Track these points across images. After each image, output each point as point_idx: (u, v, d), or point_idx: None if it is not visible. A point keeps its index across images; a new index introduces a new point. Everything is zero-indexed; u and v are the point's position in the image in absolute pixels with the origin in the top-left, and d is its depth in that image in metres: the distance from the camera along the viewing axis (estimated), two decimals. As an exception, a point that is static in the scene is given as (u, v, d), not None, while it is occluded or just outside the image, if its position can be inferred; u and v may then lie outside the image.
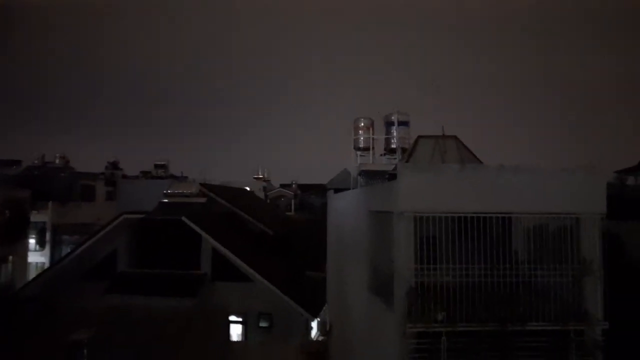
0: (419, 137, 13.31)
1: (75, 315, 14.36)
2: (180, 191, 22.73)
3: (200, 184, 24.39)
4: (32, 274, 27.77)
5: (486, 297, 7.56)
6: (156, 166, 43.35)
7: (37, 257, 30.07)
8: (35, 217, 29.24)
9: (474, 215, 7.70)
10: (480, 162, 12.29)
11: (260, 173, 59.77)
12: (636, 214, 16.54)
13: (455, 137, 13.10)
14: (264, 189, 52.76)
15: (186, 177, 40.09)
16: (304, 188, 58.65)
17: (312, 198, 52.07)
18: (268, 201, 48.35)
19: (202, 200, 22.68)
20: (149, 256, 20.26)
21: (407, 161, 12.55)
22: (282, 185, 60.40)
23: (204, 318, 16.02)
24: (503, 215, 7.79)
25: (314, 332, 18.30)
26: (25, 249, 28.14)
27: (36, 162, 41.55)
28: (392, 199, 8.19)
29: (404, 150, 14.34)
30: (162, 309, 15.96)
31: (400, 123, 14.66)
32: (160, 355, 11.93)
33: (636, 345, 9.58)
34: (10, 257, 25.86)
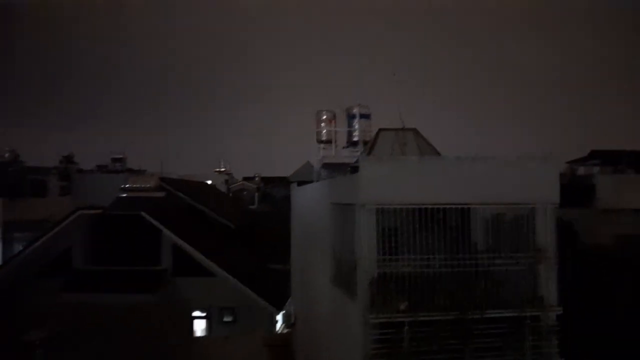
0: (380, 129, 13.46)
1: (30, 315, 13.82)
2: (138, 185, 22.14)
3: (160, 178, 23.86)
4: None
5: (447, 287, 7.73)
6: (113, 160, 42.15)
7: (-14, 255, 28.71)
8: (-17, 214, 27.88)
9: (434, 206, 7.84)
10: (439, 154, 12.54)
11: (221, 166, 58.99)
12: (586, 201, 17.31)
13: (414, 130, 13.32)
14: (226, 182, 52.18)
15: (144, 171, 39.12)
16: (267, 181, 58.30)
17: (276, 191, 51.84)
18: (230, 194, 47.83)
19: (162, 194, 22.18)
20: (106, 252, 19.69)
21: (368, 154, 12.67)
22: (245, 179, 59.85)
23: (166, 314, 15.74)
24: (462, 206, 7.96)
25: (279, 325, 18.31)
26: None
27: (-15, 157, 39.58)
28: (354, 192, 8.25)
29: (365, 142, 14.47)
30: (122, 306, 15.59)
31: (362, 116, 14.78)
32: (122, 353, 11.66)
33: (588, 328, 10.05)
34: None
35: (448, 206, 7.92)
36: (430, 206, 7.82)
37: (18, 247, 25.83)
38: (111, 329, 13.34)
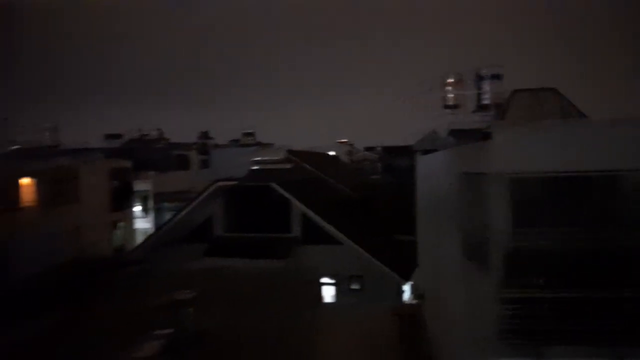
0: (515, 91, 12.33)
1: (177, 277, 15.43)
2: (268, 158, 23.35)
3: (287, 151, 24.83)
4: (139, 238, 30.31)
5: (590, 263, 6.92)
6: (244, 134, 44.88)
7: (142, 223, 32.67)
8: (138, 186, 31.60)
9: (576, 174, 6.98)
10: (584, 116, 11.17)
11: (344, 137, 59.72)
12: None
13: (553, 90, 11.99)
14: (349, 153, 52.74)
15: (273, 144, 41.09)
16: (390, 151, 57.73)
17: (399, 160, 51.14)
18: (353, 165, 48.33)
19: (289, 166, 23.14)
20: (242, 221, 21.18)
21: (501, 118, 11.72)
22: (367, 149, 59.95)
23: (296, 279, 16.50)
24: (609, 173, 6.98)
25: (406, 296, 18.21)
26: (132, 215, 30.64)
27: (135, 135, 44.78)
28: (486, 160, 7.65)
29: (497, 106, 13.41)
30: (256, 271, 16.69)
31: (493, 76, 13.67)
32: (256, 314, 12.50)
33: None
34: (120, 223, 28.32)
35: (593, 174, 7.00)
36: (572, 174, 6.98)
37: (167, 216, 28.95)
38: (246, 292, 14.35)
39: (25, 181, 22.84)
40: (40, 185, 22.10)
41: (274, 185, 19.96)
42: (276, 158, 23.61)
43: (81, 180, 24.14)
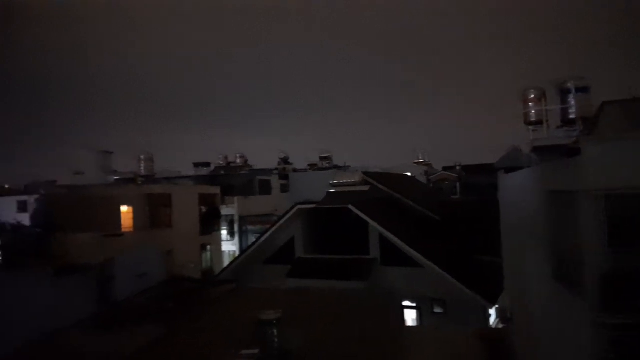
0: (604, 103, 11.70)
1: (263, 297, 15.97)
2: (344, 180, 23.67)
3: (363, 173, 25.02)
4: (226, 260, 31.74)
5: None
6: (321, 158, 45.79)
7: (229, 245, 34.22)
8: (225, 210, 33.26)
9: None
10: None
11: (420, 157, 58.91)
12: None
13: (649, 99, 11.24)
14: (426, 173, 51.93)
15: (349, 167, 41.53)
16: (469, 169, 56.13)
17: (479, 179, 49.53)
18: (431, 185, 47.46)
19: (366, 188, 23.27)
20: (321, 243, 21.56)
21: (590, 132, 11.15)
22: (445, 168, 58.70)
23: (377, 301, 16.43)
24: None
25: (492, 320, 17.51)
26: (220, 238, 32.22)
27: (221, 162, 47.32)
28: (576, 177, 7.36)
29: (585, 120, 12.76)
30: (338, 292, 16.85)
31: (579, 89, 13.06)
32: (340, 335, 12.62)
33: None
34: (209, 246, 29.86)
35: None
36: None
37: (251, 238, 30.10)
38: (329, 313, 14.52)
39: (125, 209, 24.95)
40: (138, 212, 24.00)
41: (351, 207, 20.18)
42: (352, 180, 23.84)
43: (174, 206, 25.87)
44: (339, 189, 23.08)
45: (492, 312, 17.58)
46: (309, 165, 47.71)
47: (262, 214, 33.72)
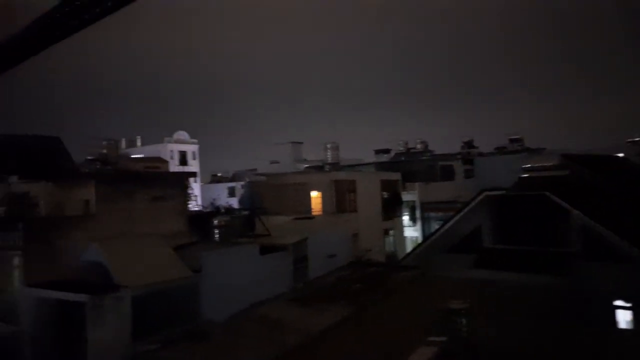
0: None
1: (449, 285, 15.62)
2: (539, 164, 21.62)
3: (562, 155, 22.48)
4: (408, 246, 31.90)
5: None
6: (511, 140, 42.56)
7: (411, 231, 34.29)
8: (406, 196, 33.37)
9: None
10: None
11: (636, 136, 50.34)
12: None
13: None
14: (643, 153, 44.26)
15: (544, 149, 37.78)
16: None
17: None
18: (650, 168, 40.32)
19: (565, 172, 20.86)
20: (512, 233, 20.08)
21: None
22: (669, 147, 49.16)
23: (578, 299, 14.71)
24: None
25: None
26: (401, 224, 32.49)
27: (401, 149, 47.46)
28: None
29: None
30: (532, 286, 15.56)
31: None
32: (534, 331, 11.66)
33: None
34: (391, 232, 30.36)
35: None
36: None
37: (433, 225, 29.65)
38: (521, 307, 13.52)
39: (314, 194, 26.81)
40: (326, 197, 25.59)
41: (548, 194, 18.31)
42: (549, 164, 21.59)
43: (358, 192, 26.92)
44: (533, 174, 21.15)
45: None
46: (496, 148, 44.69)
47: (444, 200, 32.89)
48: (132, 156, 30.43)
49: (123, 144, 57.68)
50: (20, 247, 16.65)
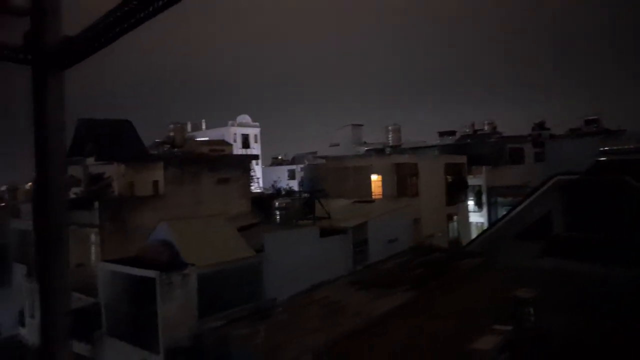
0: None
1: (516, 273, 14.98)
2: (618, 147, 20.15)
3: (645, 137, 20.81)
4: (473, 232, 30.95)
5: None
6: (587, 122, 39.91)
7: (476, 217, 33.20)
8: (471, 180, 32.25)
9: None
10: None
11: None
12: None
13: None
14: None
15: (624, 131, 35.12)
16: None
17: None
18: None
19: (649, 155, 19.31)
20: (585, 220, 18.89)
21: None
22: None
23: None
24: None
25: None
26: (466, 209, 31.51)
27: (467, 130, 45.78)
28: None
29: None
30: (603, 278, 14.60)
31: None
32: (607, 324, 10.95)
33: None
34: (455, 217, 29.54)
35: None
36: None
37: (500, 211, 28.52)
38: (594, 298, 12.74)
39: (375, 177, 26.54)
40: (387, 181, 25.26)
41: (628, 179, 17.01)
42: (629, 147, 20.09)
43: (420, 175, 26.33)
44: (611, 157, 19.74)
45: None
46: (570, 130, 42.06)
47: (513, 185, 31.47)
48: (198, 139, 31.46)
49: (189, 127, 59.79)
50: (96, 224, 17.76)
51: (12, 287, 25.74)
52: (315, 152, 52.73)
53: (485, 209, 33.21)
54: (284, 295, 15.47)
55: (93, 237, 18.22)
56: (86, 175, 20.31)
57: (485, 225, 31.20)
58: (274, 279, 16.64)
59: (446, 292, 14.40)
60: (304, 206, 21.65)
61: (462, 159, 31.59)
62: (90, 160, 20.51)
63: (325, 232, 17.87)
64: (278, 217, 21.83)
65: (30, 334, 24.81)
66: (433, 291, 14.39)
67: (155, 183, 19.92)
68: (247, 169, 26.95)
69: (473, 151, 34.64)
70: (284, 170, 58.70)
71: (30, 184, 28.25)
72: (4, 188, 34.36)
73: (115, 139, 21.87)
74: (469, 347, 10.15)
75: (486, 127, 44.63)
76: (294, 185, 43.49)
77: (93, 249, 18.23)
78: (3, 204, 31.49)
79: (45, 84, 3.66)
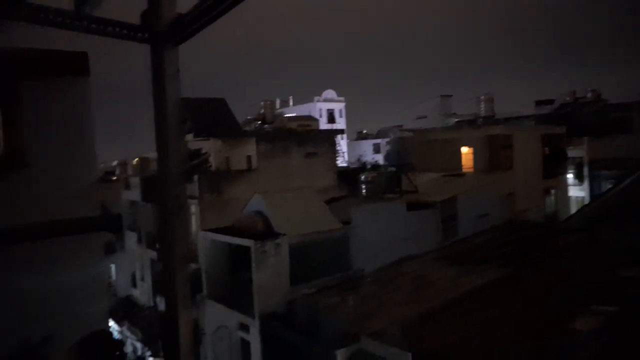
0: None
1: (622, 252, 13.97)
2: None
3: None
4: (572, 207, 29.04)
5: None
6: None
7: (576, 191, 31.06)
8: (571, 152, 30.10)
9: None
10: None
11: None
12: None
13: None
14: None
15: None
16: None
17: None
18: None
19: None
20: None
21: None
22: None
23: None
24: None
25: None
26: (565, 183, 29.56)
27: (567, 99, 42.49)
28: None
29: None
30: None
31: None
32: None
33: None
34: (552, 191, 27.85)
35: None
36: None
37: (604, 185, 26.41)
38: None
39: (465, 150, 25.70)
40: (478, 154, 24.35)
41: None
42: None
43: (515, 148, 25.06)
44: None
45: None
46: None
47: (618, 157, 28.89)
48: (286, 115, 32.26)
49: (277, 104, 61.24)
50: (196, 196, 19.08)
51: (125, 253, 28.56)
52: (401, 126, 51.83)
53: (586, 183, 30.90)
54: (370, 267, 15.70)
55: (193, 208, 19.63)
56: (186, 151, 21.78)
57: (586, 200, 29.10)
58: (361, 251, 16.91)
59: (542, 268, 13.80)
60: (390, 180, 21.55)
61: (561, 130, 29.51)
62: (189, 137, 21.91)
63: (412, 206, 17.72)
64: (364, 191, 21.98)
65: (141, 294, 27.48)
66: (527, 268, 13.85)
67: (249, 158, 20.89)
68: (333, 144, 27.28)
69: (574, 121, 32.17)
70: (369, 144, 58.45)
71: (137, 159, 30.82)
72: (115, 163, 37.82)
73: (212, 117, 23.14)
74: (565, 327, 9.74)
75: (589, 95, 41.07)
76: (379, 159, 43.23)
77: (193, 219, 19.65)
78: (115, 178, 34.75)
79: (162, 59, 3.94)
